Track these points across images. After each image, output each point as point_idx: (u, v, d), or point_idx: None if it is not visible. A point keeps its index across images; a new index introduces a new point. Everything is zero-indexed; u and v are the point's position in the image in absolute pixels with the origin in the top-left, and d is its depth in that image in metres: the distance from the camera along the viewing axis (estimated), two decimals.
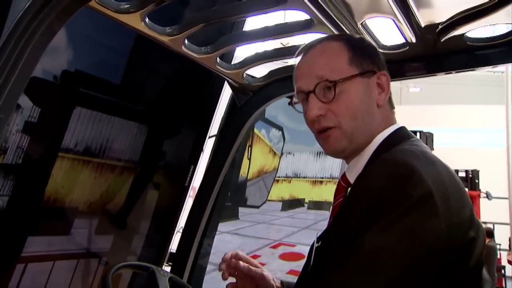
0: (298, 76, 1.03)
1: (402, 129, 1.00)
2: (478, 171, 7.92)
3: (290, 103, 1.07)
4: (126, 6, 1.36)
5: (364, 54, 1.00)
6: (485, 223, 7.61)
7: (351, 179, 0.99)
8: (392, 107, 1.05)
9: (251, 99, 2.08)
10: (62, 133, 1.87)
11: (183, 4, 1.98)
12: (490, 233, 6.69)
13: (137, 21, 1.41)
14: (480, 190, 7.80)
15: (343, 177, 1.02)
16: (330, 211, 1.03)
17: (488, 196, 7.64)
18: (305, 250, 1.04)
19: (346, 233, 0.81)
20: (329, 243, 0.90)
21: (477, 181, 7.97)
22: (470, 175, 7.85)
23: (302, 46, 1.07)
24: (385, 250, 0.75)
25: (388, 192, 0.78)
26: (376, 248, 0.75)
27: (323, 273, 0.82)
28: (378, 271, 0.75)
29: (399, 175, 0.80)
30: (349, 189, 1.00)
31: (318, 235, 1.00)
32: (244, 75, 1.94)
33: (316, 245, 0.97)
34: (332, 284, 0.78)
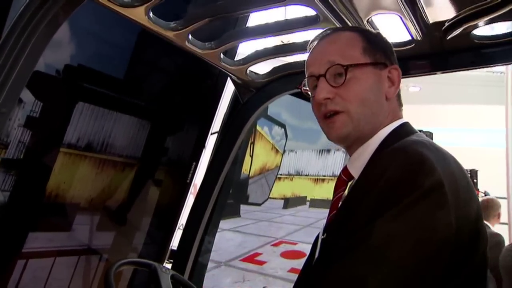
0: (310, 61, 1.02)
1: (406, 124, 1.00)
2: (476, 171, 7.91)
3: (299, 88, 1.06)
4: (130, 0, 1.34)
5: (378, 47, 1.00)
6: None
7: (354, 172, 0.97)
8: (401, 104, 1.04)
9: (254, 96, 2.07)
10: (64, 128, 1.86)
11: None
12: None
13: (141, 16, 1.40)
14: (478, 189, 7.80)
15: (344, 170, 1.01)
16: (331, 204, 1.01)
17: (486, 195, 7.64)
18: (307, 249, 1.03)
19: (356, 223, 0.80)
20: (336, 234, 0.89)
21: (475, 180, 7.97)
22: (469, 175, 7.84)
23: (317, 35, 1.06)
24: (395, 238, 0.74)
25: (399, 181, 0.78)
26: (387, 236, 0.75)
27: (332, 261, 0.81)
28: (388, 259, 0.74)
29: (411, 164, 0.79)
30: (350, 182, 0.99)
31: (324, 227, 0.99)
32: (248, 71, 1.93)
33: (322, 236, 0.96)
34: (342, 271, 0.77)
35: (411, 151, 0.82)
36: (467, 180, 0.85)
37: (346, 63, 0.94)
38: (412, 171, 0.78)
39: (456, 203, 0.78)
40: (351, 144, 1.00)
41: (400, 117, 1.02)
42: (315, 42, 1.04)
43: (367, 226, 0.77)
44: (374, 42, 1.00)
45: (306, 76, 1.02)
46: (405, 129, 0.98)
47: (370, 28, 1.46)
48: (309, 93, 1.03)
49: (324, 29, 1.07)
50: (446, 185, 0.77)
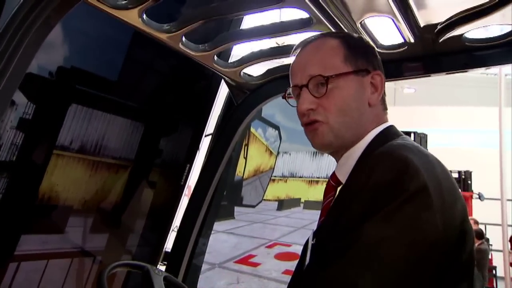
0: (293, 71, 1.04)
1: (391, 127, 1.02)
2: (470, 172, 7.96)
3: (284, 97, 1.08)
4: (124, 2, 1.34)
5: (359, 53, 1.01)
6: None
7: (341, 177, 0.99)
8: (385, 108, 1.05)
9: (248, 98, 2.07)
10: (57, 130, 1.85)
11: (181, 1, 1.97)
12: (481, 235, 6.68)
13: (134, 18, 1.40)
14: (472, 191, 7.84)
15: (333, 176, 1.03)
16: (321, 210, 1.02)
17: (480, 197, 7.68)
18: (301, 250, 1.04)
19: (345, 227, 0.82)
20: (326, 239, 0.90)
21: (469, 182, 8.02)
22: (463, 176, 7.89)
23: (299, 42, 1.08)
24: (384, 241, 0.76)
25: (385, 185, 0.79)
26: (376, 239, 0.76)
27: (323, 266, 0.82)
28: (378, 261, 0.75)
29: (396, 168, 0.81)
30: (339, 187, 1.00)
31: (313, 232, 1.00)
32: (241, 73, 1.93)
33: (312, 242, 0.97)
34: (333, 275, 0.78)
35: (396, 155, 0.84)
36: (451, 182, 0.87)
37: (327, 73, 0.96)
38: (398, 175, 0.80)
39: (441, 205, 0.80)
40: (335, 151, 1.02)
41: (385, 121, 1.03)
42: (299, 50, 1.05)
43: (356, 230, 0.78)
44: (355, 48, 1.01)
45: (291, 86, 1.04)
46: (390, 132, 1.00)
47: (362, 31, 1.47)
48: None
49: (312, 34, 1.07)
50: (431, 188, 0.79)
